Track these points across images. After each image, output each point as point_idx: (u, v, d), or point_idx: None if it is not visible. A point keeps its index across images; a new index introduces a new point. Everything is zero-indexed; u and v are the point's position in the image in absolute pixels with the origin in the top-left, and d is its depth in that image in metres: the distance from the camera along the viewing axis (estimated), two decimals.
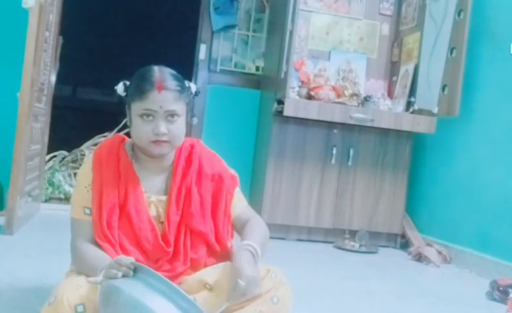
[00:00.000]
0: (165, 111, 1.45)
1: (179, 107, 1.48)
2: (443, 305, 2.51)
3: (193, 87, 1.57)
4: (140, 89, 1.46)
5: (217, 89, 4.36)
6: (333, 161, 3.77)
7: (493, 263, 3.11)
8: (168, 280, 1.20)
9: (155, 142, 1.47)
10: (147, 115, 1.45)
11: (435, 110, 3.61)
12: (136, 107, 1.47)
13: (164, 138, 1.46)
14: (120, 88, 1.52)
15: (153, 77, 1.46)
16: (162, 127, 1.45)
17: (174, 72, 1.53)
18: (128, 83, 1.52)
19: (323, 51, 4.18)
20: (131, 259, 1.25)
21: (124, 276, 1.22)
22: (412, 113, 3.80)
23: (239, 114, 4.36)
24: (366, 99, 3.82)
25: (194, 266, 1.52)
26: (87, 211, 1.49)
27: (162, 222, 1.54)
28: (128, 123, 1.53)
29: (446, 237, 3.58)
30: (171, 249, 1.51)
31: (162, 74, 1.48)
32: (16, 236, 2.87)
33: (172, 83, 1.47)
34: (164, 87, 1.45)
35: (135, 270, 1.23)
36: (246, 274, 1.36)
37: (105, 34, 8.84)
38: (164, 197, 1.55)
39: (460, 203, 3.54)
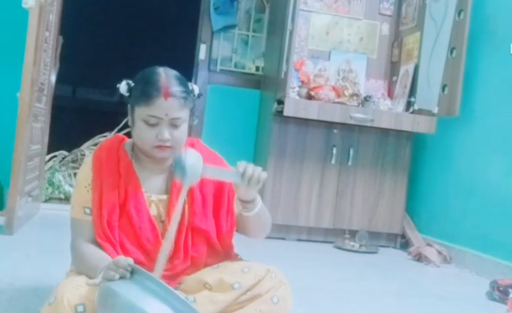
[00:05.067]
0: (170, 118, 1.44)
1: (184, 114, 1.47)
2: (443, 305, 2.51)
3: (196, 89, 1.55)
4: (146, 93, 1.44)
5: (217, 89, 4.36)
6: (333, 161, 3.77)
7: (493, 263, 3.11)
8: (164, 283, 1.20)
9: (158, 147, 1.47)
10: (152, 121, 1.44)
11: (435, 110, 3.60)
12: (140, 112, 1.45)
13: (168, 144, 1.46)
14: (123, 87, 1.50)
15: (159, 82, 1.44)
16: (166, 134, 1.45)
17: (178, 74, 1.51)
18: (131, 82, 1.50)
19: (323, 51, 4.18)
20: (129, 260, 1.25)
21: (121, 277, 1.22)
22: (412, 113, 3.80)
23: (239, 114, 4.36)
24: (366, 99, 3.82)
25: (195, 265, 1.53)
26: (87, 211, 1.49)
27: (162, 221, 1.54)
28: (129, 123, 1.52)
29: (446, 237, 3.58)
30: (172, 248, 1.50)
31: (168, 78, 1.46)
32: (16, 236, 2.87)
33: (177, 89, 1.45)
34: (170, 93, 1.43)
35: (132, 271, 1.23)
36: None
37: (105, 34, 8.84)
38: (164, 197, 1.55)
39: (460, 203, 3.54)
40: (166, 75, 1.47)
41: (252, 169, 1.44)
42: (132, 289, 1.19)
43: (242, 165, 1.46)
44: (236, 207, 1.61)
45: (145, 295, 1.17)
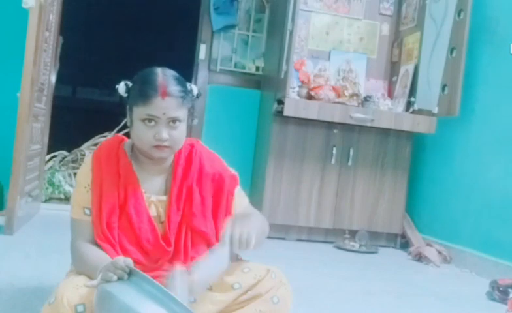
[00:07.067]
0: (168, 117, 1.44)
1: (182, 113, 1.47)
2: (443, 305, 2.51)
3: (195, 90, 1.55)
4: (143, 93, 1.44)
5: (217, 89, 4.36)
6: (333, 161, 3.77)
7: (493, 263, 3.11)
8: (161, 285, 1.20)
9: (156, 147, 1.47)
10: (150, 120, 1.44)
11: (435, 110, 3.61)
12: (138, 111, 1.45)
13: (166, 143, 1.46)
14: (122, 88, 1.50)
15: (156, 82, 1.44)
16: (164, 133, 1.45)
17: (176, 74, 1.51)
18: (129, 83, 1.51)
19: (323, 51, 4.18)
20: (128, 261, 1.25)
21: (119, 279, 1.22)
22: (412, 113, 3.80)
23: (239, 114, 4.36)
24: (366, 99, 3.81)
25: None
26: (87, 212, 1.49)
27: (162, 222, 1.54)
28: (128, 124, 1.53)
29: (446, 237, 3.58)
30: (171, 249, 1.51)
31: (165, 78, 1.46)
32: (16, 236, 2.87)
33: (175, 89, 1.45)
34: (167, 93, 1.43)
35: (130, 273, 1.23)
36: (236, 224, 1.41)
37: (105, 35, 8.85)
38: (164, 197, 1.55)
39: (460, 203, 3.54)
40: (164, 75, 1.47)
41: (238, 236, 1.38)
42: (128, 291, 1.18)
43: (228, 235, 1.40)
44: (235, 211, 1.61)
45: (142, 298, 1.17)
